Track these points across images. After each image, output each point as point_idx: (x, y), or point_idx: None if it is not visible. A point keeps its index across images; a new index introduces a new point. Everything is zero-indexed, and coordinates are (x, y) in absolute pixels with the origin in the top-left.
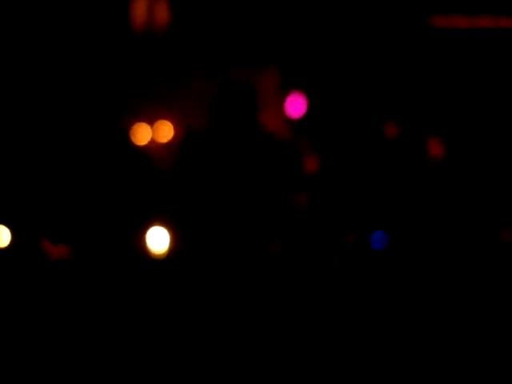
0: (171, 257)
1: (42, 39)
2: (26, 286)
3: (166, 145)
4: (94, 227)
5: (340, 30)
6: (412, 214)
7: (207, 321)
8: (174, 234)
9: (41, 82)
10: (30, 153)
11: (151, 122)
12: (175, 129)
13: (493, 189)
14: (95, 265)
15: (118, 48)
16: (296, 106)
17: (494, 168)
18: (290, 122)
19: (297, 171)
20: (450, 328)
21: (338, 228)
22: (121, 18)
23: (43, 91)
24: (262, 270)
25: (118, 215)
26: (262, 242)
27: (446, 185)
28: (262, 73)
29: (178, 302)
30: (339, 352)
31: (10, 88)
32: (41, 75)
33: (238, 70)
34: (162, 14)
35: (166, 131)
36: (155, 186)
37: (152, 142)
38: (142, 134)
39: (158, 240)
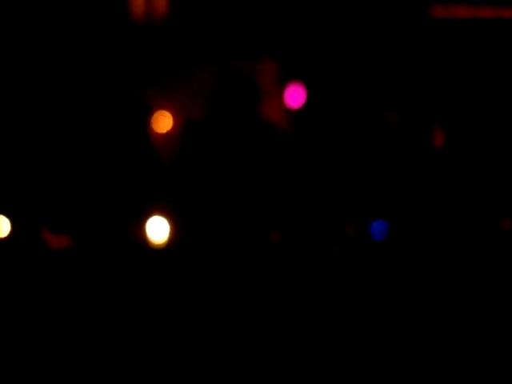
0: (171, 246)
1: (40, 30)
2: (26, 276)
3: (165, 135)
4: (94, 217)
5: (339, 20)
6: (412, 205)
7: (207, 311)
8: (173, 224)
9: (40, 73)
10: (29, 143)
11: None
12: (174, 119)
13: (493, 178)
14: (95, 254)
15: (117, 39)
16: (295, 96)
17: (494, 158)
18: (289, 112)
19: (297, 162)
20: (450, 319)
21: (339, 218)
22: (119, 9)
23: (42, 82)
24: (262, 260)
25: (117, 205)
26: (262, 231)
27: (447, 174)
28: (261, 64)
29: (178, 291)
30: (339, 343)
31: (9, 78)
32: (40, 66)
33: (237, 60)
34: (161, 5)
35: (165, 122)
36: (155, 176)
37: (152, 132)
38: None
39: (157, 230)
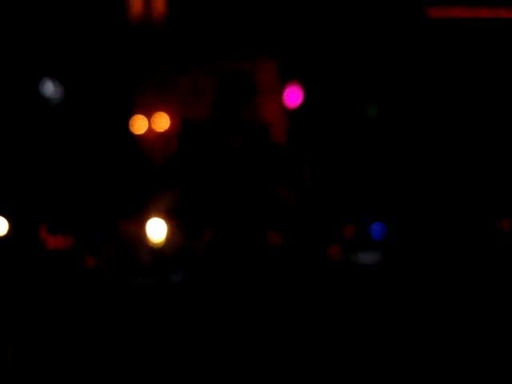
0: (171, 247)
1: (39, 32)
2: (24, 275)
3: (163, 134)
4: (92, 217)
5: (337, 21)
6: (411, 205)
7: (207, 311)
8: (171, 224)
9: (38, 73)
10: (28, 144)
11: (149, 112)
12: (172, 119)
13: (492, 181)
14: (93, 255)
15: (115, 39)
16: (294, 96)
17: (493, 160)
18: (287, 111)
19: (295, 163)
20: (450, 319)
21: (338, 219)
22: (118, 10)
23: (40, 82)
24: (262, 261)
25: (115, 205)
26: (262, 232)
27: (446, 177)
28: (260, 64)
29: (178, 293)
30: (340, 343)
31: (7, 82)
32: (38, 66)
33: (236, 61)
34: (159, 6)
35: (162, 122)
36: (154, 176)
37: (149, 132)
38: (140, 125)
39: (156, 230)
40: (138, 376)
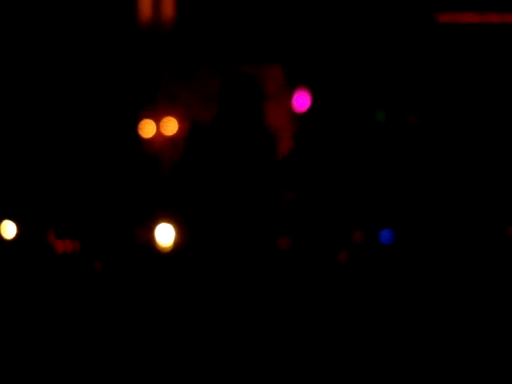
0: (177, 251)
1: (49, 35)
2: (32, 279)
3: (171, 139)
4: (100, 222)
5: (346, 26)
6: (419, 211)
7: (214, 316)
8: (180, 228)
9: (48, 78)
10: (37, 149)
11: (157, 116)
12: (181, 123)
13: (499, 186)
14: (100, 259)
15: (124, 44)
16: (302, 101)
17: (500, 166)
18: (295, 116)
19: (304, 168)
20: (456, 322)
21: (347, 224)
22: (127, 14)
23: (50, 87)
24: (271, 266)
25: (124, 210)
26: (270, 237)
27: (454, 182)
28: (268, 69)
29: (185, 297)
30: (346, 347)
31: (14, 83)
32: (48, 71)
33: (244, 65)
34: (168, 10)
35: (171, 126)
36: (161, 182)
37: (158, 136)
38: (148, 129)
39: (164, 234)
40: (138, 379)
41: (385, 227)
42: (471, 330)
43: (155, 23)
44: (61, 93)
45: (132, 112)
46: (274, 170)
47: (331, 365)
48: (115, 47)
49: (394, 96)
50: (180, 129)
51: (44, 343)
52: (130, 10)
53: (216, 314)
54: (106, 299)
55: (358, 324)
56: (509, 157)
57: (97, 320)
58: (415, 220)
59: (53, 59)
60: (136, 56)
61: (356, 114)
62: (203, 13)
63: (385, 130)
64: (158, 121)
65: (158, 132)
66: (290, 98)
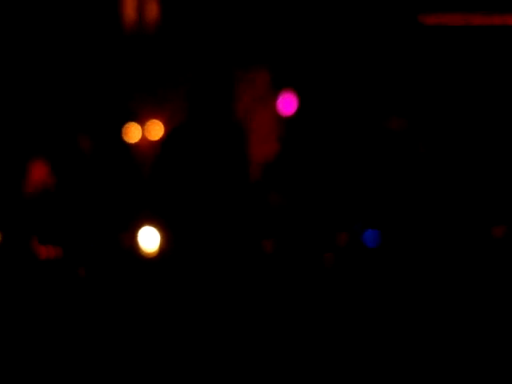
0: (162, 256)
1: (33, 38)
2: (16, 285)
3: (156, 143)
4: (84, 227)
5: (332, 29)
6: (405, 212)
7: (200, 319)
8: (164, 233)
9: (32, 80)
10: (20, 154)
11: (142, 120)
12: (166, 127)
13: (485, 188)
14: (84, 265)
15: (108, 47)
16: (288, 103)
17: (487, 168)
18: (281, 119)
19: (288, 170)
20: (444, 324)
21: (331, 227)
22: (111, 17)
23: (34, 90)
24: (256, 269)
25: (107, 215)
26: (255, 240)
27: (440, 183)
28: (253, 72)
29: (170, 301)
30: (332, 349)
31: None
32: (33, 74)
33: (229, 69)
34: (153, 13)
35: (156, 130)
36: (144, 186)
37: (143, 140)
38: (133, 133)
39: (148, 239)
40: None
41: (370, 229)
42: (459, 332)
43: (139, 26)
44: (44, 96)
45: (116, 116)
46: (259, 172)
47: (316, 367)
48: (100, 50)
49: (380, 98)
50: (165, 132)
51: (28, 348)
52: (115, 13)
53: (202, 317)
54: (90, 305)
55: (345, 326)
56: (493, 157)
57: (81, 326)
58: (401, 222)
59: (37, 62)
60: (120, 59)
61: (342, 117)
62: (188, 15)
63: (370, 132)
64: (143, 125)
65: (143, 136)
66: (275, 101)
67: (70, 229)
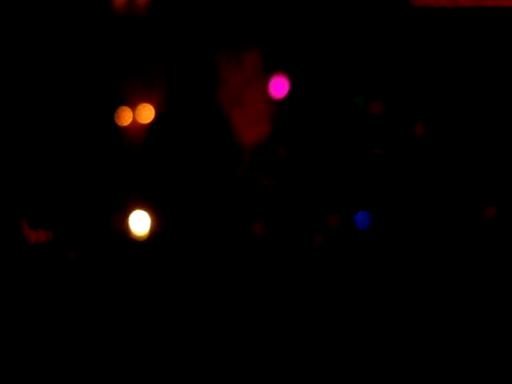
0: (153, 239)
1: (23, 21)
2: (4, 271)
3: (147, 127)
4: (73, 211)
5: (322, 10)
6: (396, 194)
7: (190, 305)
8: (155, 217)
9: (20, 63)
10: (7, 138)
11: (133, 104)
12: (157, 111)
13: (476, 167)
14: (74, 249)
15: (98, 30)
16: (279, 87)
17: (477, 146)
18: (273, 102)
19: (279, 152)
20: (438, 308)
21: (322, 209)
22: (101, 1)
23: (22, 74)
24: (245, 252)
25: (97, 198)
26: (245, 223)
27: (430, 164)
28: (244, 54)
29: (161, 286)
30: (326, 335)
31: None
32: (21, 57)
33: (220, 51)
34: None
35: (147, 114)
36: (134, 169)
37: (134, 123)
38: (124, 117)
39: (139, 222)
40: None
41: (361, 211)
42: (452, 317)
43: (130, 8)
44: (33, 79)
45: (107, 99)
46: (252, 155)
47: (311, 356)
48: (89, 33)
49: (374, 80)
50: (155, 116)
51: (20, 333)
52: None
53: (193, 301)
54: (81, 289)
55: (336, 310)
56: (484, 140)
57: (73, 310)
58: (392, 204)
59: (26, 44)
60: (110, 42)
61: (335, 100)
62: None
63: (364, 115)
64: (134, 108)
65: (134, 120)
66: (268, 84)
67: (60, 212)
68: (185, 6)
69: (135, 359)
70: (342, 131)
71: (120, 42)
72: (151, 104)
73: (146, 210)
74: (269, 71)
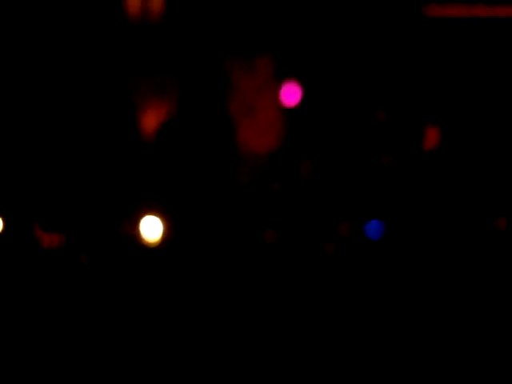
0: (164, 246)
1: (35, 28)
2: (17, 274)
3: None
4: (86, 215)
5: (335, 18)
6: (407, 204)
7: (201, 310)
8: (167, 223)
9: (34, 69)
10: (21, 141)
11: (143, 110)
12: (169, 116)
13: (488, 178)
14: (87, 253)
15: (112, 37)
16: (291, 94)
17: (489, 158)
18: (284, 110)
19: (291, 161)
20: (447, 317)
21: (333, 218)
22: (115, 8)
23: (34, 78)
24: (257, 259)
25: (110, 203)
26: (257, 231)
27: (442, 173)
28: (256, 61)
29: (172, 291)
30: (335, 342)
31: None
32: (35, 63)
33: (233, 59)
34: (157, 3)
35: (160, 118)
36: (148, 175)
37: (147, 129)
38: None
39: (151, 228)
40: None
41: (373, 220)
42: (464, 326)
43: (144, 16)
44: (48, 84)
45: (119, 105)
46: (264, 163)
47: (317, 359)
48: (104, 40)
49: (385, 89)
50: (168, 121)
51: (31, 336)
52: (119, 3)
53: (204, 307)
54: (93, 293)
55: (346, 317)
56: (496, 148)
57: (83, 313)
58: (404, 213)
59: (42, 51)
60: (124, 50)
61: (346, 108)
62: (192, 5)
63: (374, 123)
64: (144, 114)
65: (148, 125)
66: (280, 91)
67: (73, 217)
68: (198, 13)
69: (146, 359)
70: (354, 140)
71: (133, 47)
72: (165, 109)
73: (158, 216)
74: (280, 78)
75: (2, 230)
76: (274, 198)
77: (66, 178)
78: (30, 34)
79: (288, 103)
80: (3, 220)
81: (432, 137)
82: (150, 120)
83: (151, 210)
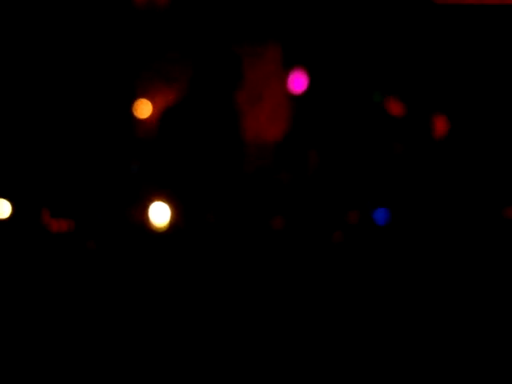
0: (172, 231)
1: (41, 15)
2: (26, 259)
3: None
4: (94, 201)
5: (343, 6)
6: (415, 191)
7: (208, 297)
8: (175, 209)
9: (40, 58)
10: (29, 128)
11: (151, 96)
12: (174, 103)
13: (497, 167)
14: (95, 238)
15: (119, 25)
16: (298, 82)
17: (497, 146)
18: (292, 97)
19: (299, 149)
20: (453, 308)
21: (341, 205)
22: None
23: (39, 68)
24: (264, 247)
25: (118, 189)
26: (264, 218)
27: (451, 162)
28: (264, 49)
29: (179, 277)
30: (343, 331)
31: (6, 65)
32: (41, 51)
33: (240, 46)
34: None
35: (145, 108)
36: (157, 161)
37: (153, 116)
38: (144, 109)
39: (159, 214)
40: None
41: (380, 207)
42: (471, 316)
43: (151, 2)
44: (52, 73)
45: (126, 92)
46: (271, 150)
47: (325, 350)
48: (110, 27)
49: (392, 76)
50: (174, 107)
51: (38, 322)
52: None
53: (212, 293)
54: (100, 279)
55: (353, 308)
56: (503, 139)
57: (91, 300)
58: (411, 200)
59: (45, 39)
60: (131, 36)
61: (353, 96)
62: None
63: (382, 111)
64: (152, 100)
65: (153, 112)
66: (287, 79)
67: (82, 202)
68: (205, 2)
69: (153, 346)
70: (361, 128)
71: (142, 35)
72: (170, 96)
73: (166, 202)
74: (288, 66)
75: (11, 216)
76: (282, 185)
77: (74, 164)
78: (36, 20)
79: (295, 91)
80: (12, 205)
81: (441, 125)
82: (158, 107)
83: (159, 196)
